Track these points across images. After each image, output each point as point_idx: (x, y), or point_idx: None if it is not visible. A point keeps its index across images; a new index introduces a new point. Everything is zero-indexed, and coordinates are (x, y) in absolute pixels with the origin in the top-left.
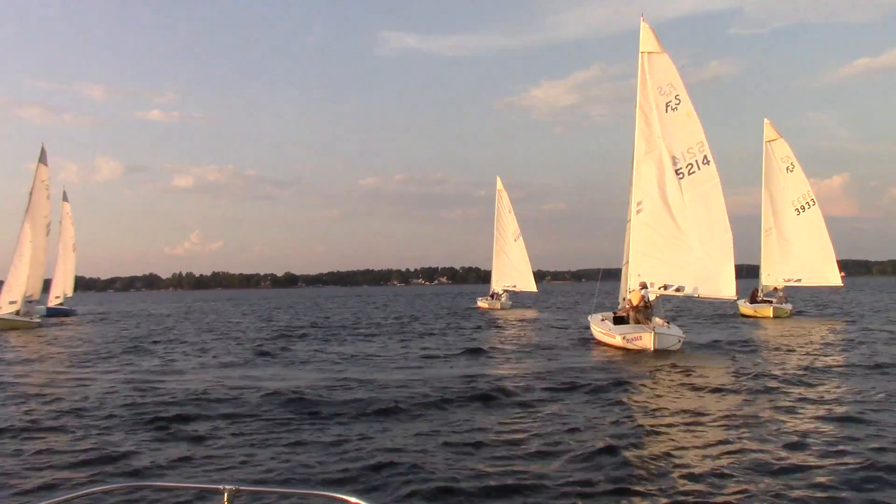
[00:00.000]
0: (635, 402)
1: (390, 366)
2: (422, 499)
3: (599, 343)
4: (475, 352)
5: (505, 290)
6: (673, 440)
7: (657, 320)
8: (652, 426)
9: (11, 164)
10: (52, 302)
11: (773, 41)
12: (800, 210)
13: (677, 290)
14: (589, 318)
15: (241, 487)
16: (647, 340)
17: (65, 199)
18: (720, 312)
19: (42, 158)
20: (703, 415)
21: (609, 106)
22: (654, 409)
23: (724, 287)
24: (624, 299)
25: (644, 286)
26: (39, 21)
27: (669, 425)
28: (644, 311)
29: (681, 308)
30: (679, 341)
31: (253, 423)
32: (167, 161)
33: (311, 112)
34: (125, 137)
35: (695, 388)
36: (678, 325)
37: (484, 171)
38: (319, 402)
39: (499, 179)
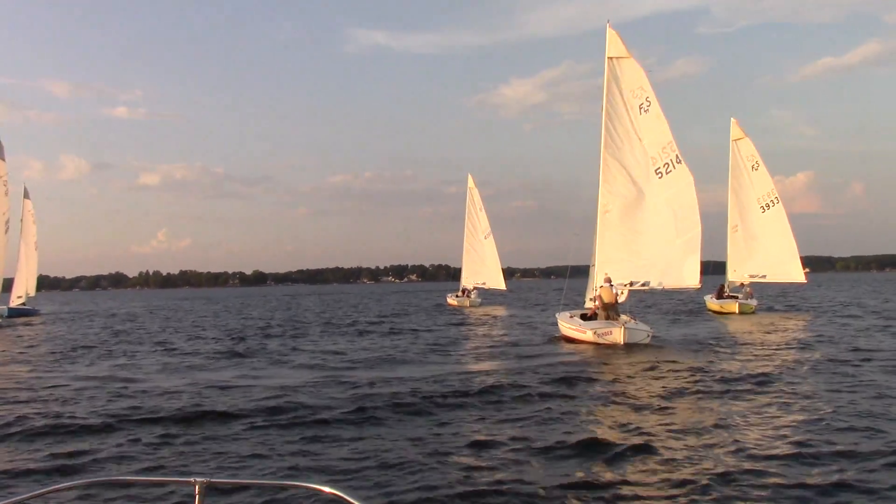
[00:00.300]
0: (613, 396)
1: (360, 364)
2: (399, 491)
3: (568, 339)
4: (446, 349)
5: (475, 288)
6: (650, 433)
7: (624, 316)
8: (630, 419)
9: None
10: (14, 302)
11: (738, 40)
12: (765, 208)
13: (643, 285)
14: (557, 314)
15: (212, 480)
16: (617, 335)
17: (26, 196)
18: (687, 308)
19: None
20: (674, 408)
21: (578, 104)
22: (630, 404)
23: (688, 277)
24: (592, 298)
25: (609, 281)
26: (1, 16)
27: (644, 416)
28: (613, 308)
29: (648, 303)
30: (648, 336)
31: (227, 422)
32: (134, 158)
33: (280, 109)
34: (91, 135)
35: (667, 381)
36: (644, 321)
37: (454, 168)
38: (294, 402)
39: (470, 178)
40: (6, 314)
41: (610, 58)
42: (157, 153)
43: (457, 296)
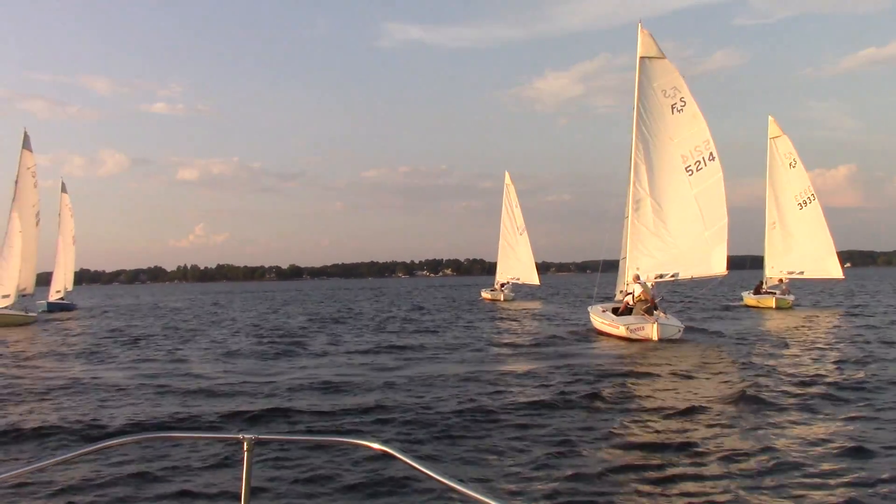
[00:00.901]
0: (646, 395)
1: (406, 359)
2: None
3: (601, 333)
4: (483, 345)
5: (509, 282)
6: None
7: (657, 312)
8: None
9: (14, 157)
10: (53, 296)
11: (778, 31)
12: (802, 205)
13: (672, 276)
14: (589, 309)
15: (260, 437)
16: (649, 331)
17: (63, 190)
18: (725, 304)
19: (26, 144)
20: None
21: (614, 97)
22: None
23: (716, 265)
24: (622, 292)
25: (637, 278)
26: (42, 14)
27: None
28: (645, 304)
29: (685, 297)
30: (679, 331)
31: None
32: (172, 154)
33: (316, 104)
34: (130, 130)
35: (697, 379)
36: (677, 316)
37: (488, 162)
38: (343, 393)
39: (507, 174)
40: (46, 308)
41: (642, 58)
42: (194, 148)
43: (491, 290)
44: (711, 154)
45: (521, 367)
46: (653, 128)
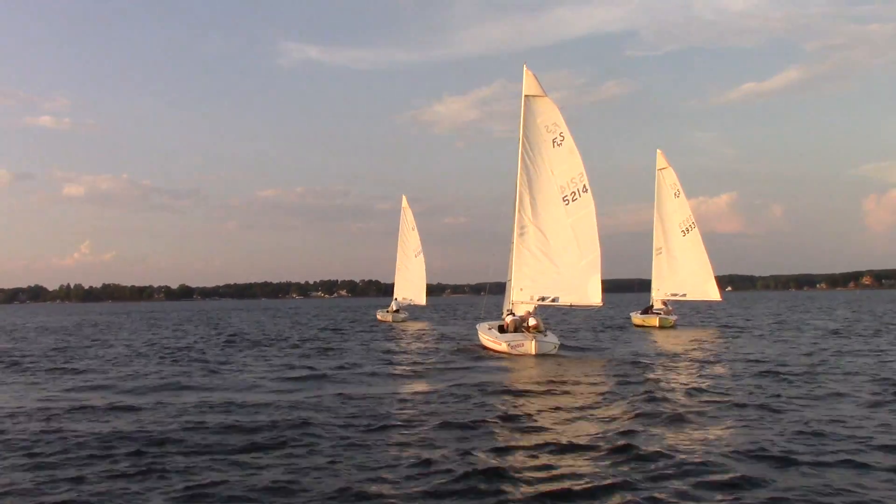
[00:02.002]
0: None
1: (287, 383)
2: None
3: (486, 349)
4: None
5: (403, 301)
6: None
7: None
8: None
9: None
10: None
11: (666, 64)
12: (685, 232)
13: (553, 300)
14: (477, 326)
15: None
16: (528, 346)
17: None
18: (616, 323)
19: None
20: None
21: (509, 122)
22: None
23: (592, 295)
24: (507, 312)
25: (511, 313)
26: None
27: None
28: (526, 323)
29: (580, 317)
30: (555, 347)
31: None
32: (58, 169)
33: (210, 122)
34: (13, 144)
35: (567, 386)
36: (556, 335)
37: (386, 184)
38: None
39: (404, 198)
40: None
41: (527, 96)
42: (82, 164)
43: (386, 311)
44: (585, 186)
45: (411, 385)
46: (536, 160)
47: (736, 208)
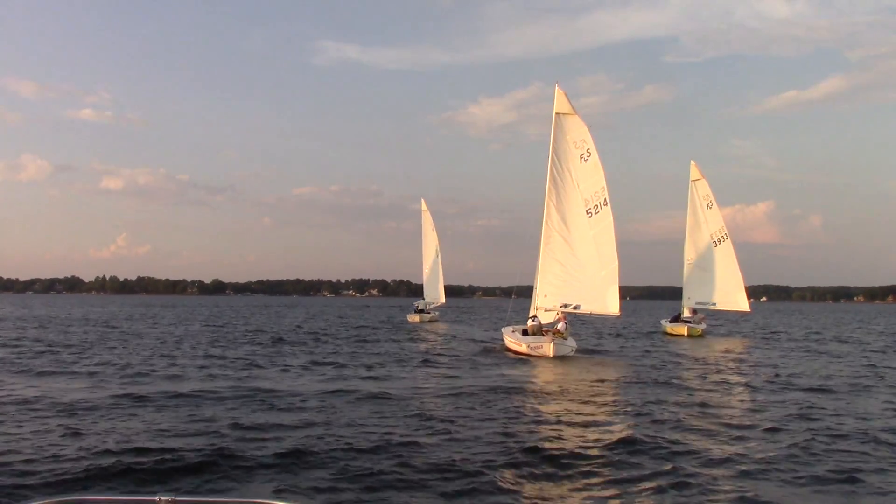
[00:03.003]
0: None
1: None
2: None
3: (509, 350)
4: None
5: (433, 305)
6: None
7: (563, 332)
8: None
9: None
10: None
11: (706, 70)
12: (717, 243)
13: (574, 308)
14: (503, 329)
15: (177, 498)
16: (546, 349)
17: None
18: (647, 331)
19: None
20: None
21: (544, 125)
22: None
23: (610, 305)
24: (531, 317)
25: (534, 318)
26: None
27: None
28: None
29: (608, 325)
30: (572, 350)
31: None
32: (98, 162)
33: (248, 118)
34: (55, 136)
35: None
36: (575, 339)
37: (420, 184)
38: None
39: (423, 201)
40: None
41: (558, 113)
42: (121, 157)
43: (416, 312)
44: (605, 200)
45: (438, 383)
46: (563, 174)
47: (773, 218)
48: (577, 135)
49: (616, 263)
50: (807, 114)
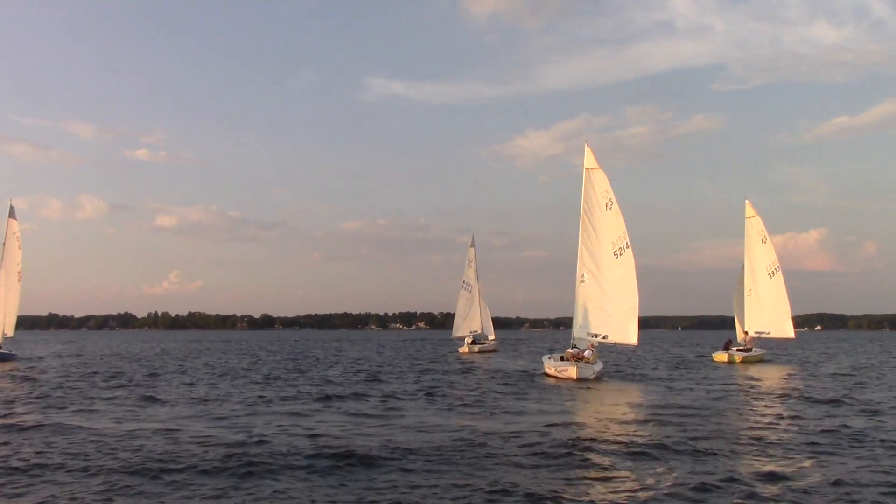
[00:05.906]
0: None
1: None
2: None
3: (547, 375)
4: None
5: (483, 338)
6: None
7: (590, 358)
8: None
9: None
10: None
11: (754, 98)
12: (770, 275)
13: (604, 337)
14: (543, 358)
15: None
16: (570, 372)
17: (12, 215)
18: (698, 361)
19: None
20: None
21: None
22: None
23: (631, 336)
24: (572, 346)
25: (574, 346)
26: (28, 60)
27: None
28: (581, 358)
29: (655, 353)
30: (594, 373)
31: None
32: (152, 200)
33: (297, 155)
34: (111, 176)
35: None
36: (603, 362)
37: (467, 217)
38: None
39: (472, 237)
40: None
41: (587, 168)
42: (174, 195)
43: (469, 344)
44: (627, 244)
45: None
46: (593, 220)
47: (826, 245)
48: (602, 186)
49: (637, 300)
50: (858, 139)
